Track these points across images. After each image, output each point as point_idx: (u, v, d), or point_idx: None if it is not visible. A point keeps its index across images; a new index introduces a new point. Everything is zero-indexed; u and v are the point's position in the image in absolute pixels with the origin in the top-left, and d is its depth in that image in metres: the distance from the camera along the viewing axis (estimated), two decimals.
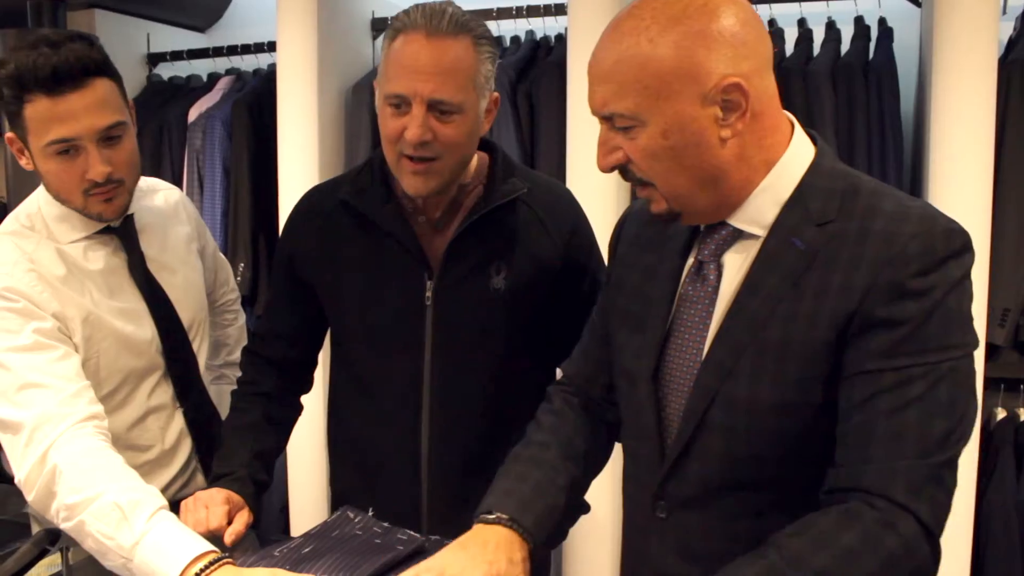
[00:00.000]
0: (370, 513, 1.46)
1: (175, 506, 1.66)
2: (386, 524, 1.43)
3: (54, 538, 1.52)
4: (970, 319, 1.10)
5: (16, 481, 1.45)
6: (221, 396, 1.92)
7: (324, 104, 2.89)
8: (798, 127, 1.18)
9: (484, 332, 1.57)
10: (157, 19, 3.32)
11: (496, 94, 1.54)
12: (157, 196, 1.81)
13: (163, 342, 1.70)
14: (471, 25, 1.45)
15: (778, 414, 1.12)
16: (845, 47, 2.68)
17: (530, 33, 3.01)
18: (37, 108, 1.47)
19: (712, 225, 1.19)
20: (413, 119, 1.42)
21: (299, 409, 1.77)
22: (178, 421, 1.76)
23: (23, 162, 1.58)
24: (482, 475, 1.38)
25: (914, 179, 2.60)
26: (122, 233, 1.67)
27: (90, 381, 1.56)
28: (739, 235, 1.17)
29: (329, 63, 2.90)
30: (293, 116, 2.87)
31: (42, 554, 1.50)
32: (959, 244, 1.07)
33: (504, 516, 1.27)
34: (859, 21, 2.68)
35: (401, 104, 1.43)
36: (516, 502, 1.29)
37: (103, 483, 1.37)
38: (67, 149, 1.50)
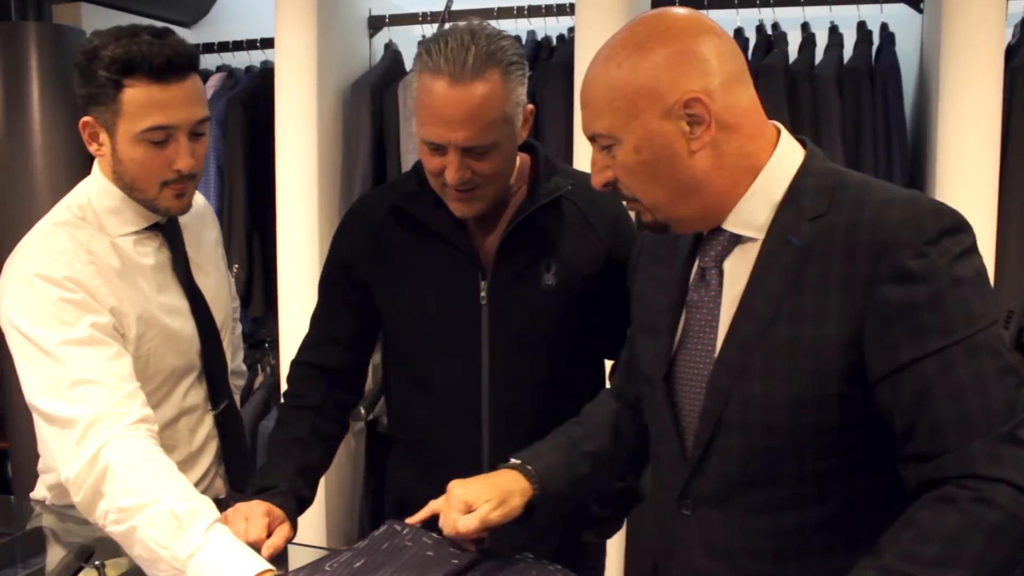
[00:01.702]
0: (417, 525, 1.44)
1: None
2: (435, 535, 1.41)
3: (88, 554, 1.48)
4: (987, 290, 1.12)
5: (63, 479, 1.41)
6: None
7: (323, 102, 2.85)
8: (785, 133, 1.24)
9: (538, 328, 1.60)
10: (144, 14, 3.23)
11: (531, 106, 1.55)
12: None
13: (202, 342, 1.69)
14: (497, 56, 1.45)
15: (793, 409, 1.15)
16: (847, 51, 2.70)
17: (531, 33, 2.99)
18: (138, 94, 1.48)
19: (711, 232, 1.24)
20: (451, 164, 1.46)
21: (346, 426, 1.76)
22: (207, 424, 1.74)
23: (93, 148, 1.57)
24: None
25: (915, 181, 2.63)
26: (167, 230, 1.66)
27: (138, 380, 1.53)
28: (737, 240, 1.22)
29: (328, 60, 2.86)
30: (292, 114, 2.82)
31: (77, 571, 1.45)
32: (949, 222, 1.11)
33: (515, 461, 1.40)
34: (862, 26, 2.71)
35: (437, 148, 1.46)
36: (529, 452, 1.42)
37: (158, 489, 1.34)
38: (163, 138, 1.51)
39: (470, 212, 1.53)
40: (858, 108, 2.56)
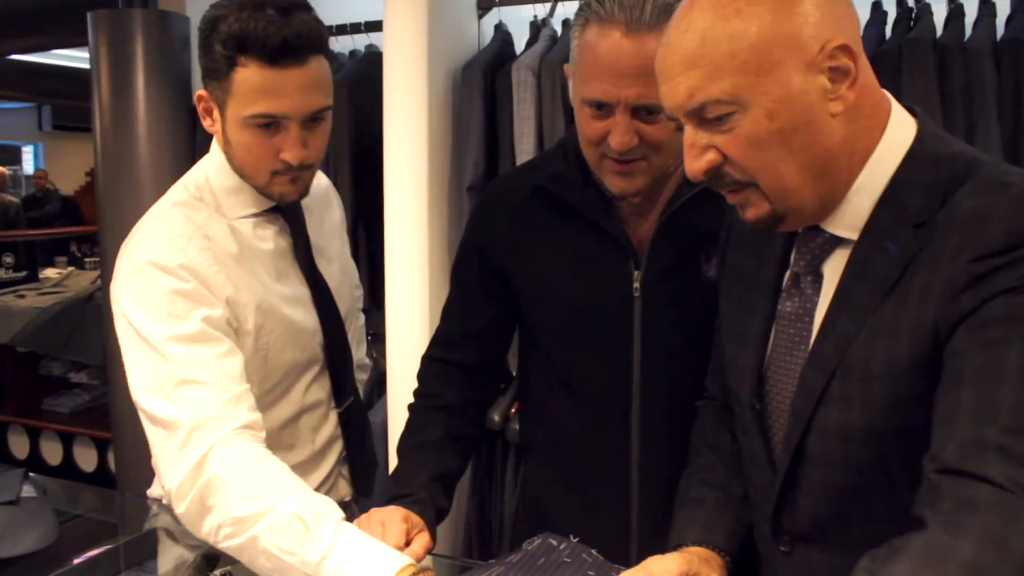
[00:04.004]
0: (573, 539, 1.31)
1: None
2: (595, 552, 1.28)
3: (213, 562, 1.38)
4: None
5: (165, 489, 1.30)
6: None
7: (433, 86, 2.73)
8: (896, 105, 1.03)
9: (697, 325, 1.42)
10: None
11: None
12: None
13: (325, 334, 1.58)
14: (673, 8, 1.29)
15: (872, 441, 0.99)
16: (1000, 22, 2.47)
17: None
18: (250, 75, 1.34)
19: (808, 231, 1.05)
20: (617, 126, 1.29)
21: (483, 428, 1.63)
22: (331, 422, 1.63)
23: (207, 123, 1.45)
24: None
25: None
26: (289, 214, 1.54)
27: (256, 376, 1.43)
28: (838, 242, 1.03)
29: (437, 43, 2.74)
30: (401, 99, 2.71)
31: None
32: None
33: (694, 548, 1.20)
34: None
35: (602, 107, 1.30)
36: (701, 527, 1.23)
37: (276, 494, 1.24)
38: (269, 124, 1.37)
39: (631, 188, 1.36)
40: (1018, 86, 2.32)
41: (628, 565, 1.22)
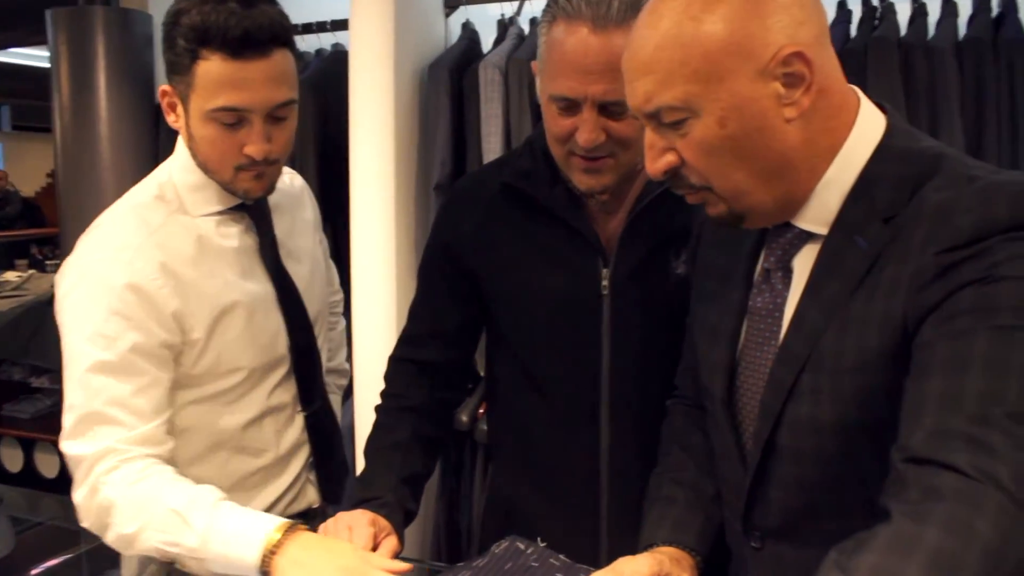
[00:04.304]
0: (541, 543, 1.30)
1: None
2: (563, 557, 1.27)
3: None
4: None
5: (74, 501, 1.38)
6: None
7: (400, 85, 2.71)
8: (865, 100, 1.03)
9: (666, 323, 1.41)
10: None
11: None
12: (284, 177, 1.64)
13: (290, 336, 1.55)
14: (640, 5, 1.29)
15: (841, 435, 0.99)
16: (962, 21, 2.50)
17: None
18: (212, 68, 1.32)
19: (777, 226, 1.05)
20: (584, 122, 1.29)
21: (451, 428, 1.61)
22: (297, 425, 1.60)
23: (171, 119, 1.43)
24: None
25: None
26: (255, 212, 1.51)
27: (211, 376, 1.43)
28: (808, 236, 1.03)
29: (404, 41, 2.72)
30: (367, 98, 2.68)
31: None
32: None
33: (665, 547, 1.20)
34: None
35: (569, 105, 1.29)
36: (671, 527, 1.23)
37: (155, 500, 1.32)
38: (234, 120, 1.35)
39: (599, 185, 1.35)
40: (980, 84, 2.35)
41: (598, 565, 1.21)
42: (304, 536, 1.26)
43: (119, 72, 2.97)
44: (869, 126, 1.02)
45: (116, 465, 1.33)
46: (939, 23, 2.50)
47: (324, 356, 1.66)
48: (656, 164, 1.03)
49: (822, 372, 1.00)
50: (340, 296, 1.95)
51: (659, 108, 0.99)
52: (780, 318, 1.07)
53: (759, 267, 1.11)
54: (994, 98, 2.35)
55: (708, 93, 0.96)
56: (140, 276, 1.38)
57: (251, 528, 1.26)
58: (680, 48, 0.96)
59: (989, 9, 2.48)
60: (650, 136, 1.03)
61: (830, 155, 1.01)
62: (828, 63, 1.00)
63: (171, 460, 1.40)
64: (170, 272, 1.41)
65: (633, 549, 1.22)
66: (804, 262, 1.05)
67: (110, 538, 1.35)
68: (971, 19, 2.48)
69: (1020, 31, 2.38)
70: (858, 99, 1.04)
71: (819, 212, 1.03)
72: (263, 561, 1.23)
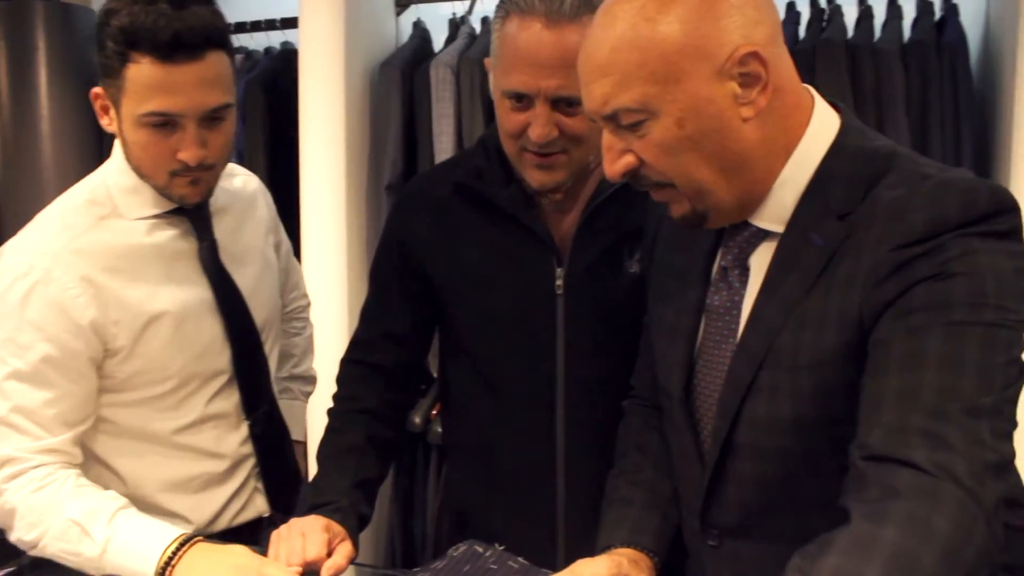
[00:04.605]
0: (499, 547, 1.29)
1: (237, 534, 1.49)
2: (521, 560, 1.26)
3: None
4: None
5: None
6: (291, 412, 1.73)
7: (351, 84, 2.68)
8: (819, 100, 1.05)
9: (620, 321, 1.42)
10: None
11: None
12: (235, 180, 1.61)
13: (232, 344, 1.50)
14: (594, 3, 1.29)
15: (800, 431, 1.00)
16: (907, 24, 2.54)
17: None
18: (142, 72, 1.28)
19: (735, 225, 1.07)
20: (537, 117, 1.29)
21: (404, 430, 1.59)
22: (241, 434, 1.55)
23: (104, 122, 1.38)
24: None
25: (984, 163, 2.48)
26: (195, 215, 1.46)
27: (139, 382, 1.41)
28: (764, 235, 1.05)
29: (354, 40, 2.69)
30: (317, 97, 2.66)
31: None
32: (986, 207, 0.92)
33: (623, 548, 1.20)
34: None
35: (522, 99, 1.29)
36: (631, 527, 1.22)
37: (56, 508, 1.32)
38: (164, 123, 1.31)
39: (551, 182, 1.36)
40: (925, 85, 2.39)
41: (555, 568, 1.21)
42: (201, 545, 1.29)
43: (61, 69, 2.90)
44: (823, 125, 1.04)
45: (17, 472, 1.33)
46: (885, 25, 2.54)
47: (273, 363, 1.62)
48: (615, 166, 1.03)
49: (780, 369, 1.01)
50: (307, 301, 1.90)
51: (616, 110, 0.99)
52: (738, 316, 1.07)
53: (716, 265, 1.12)
54: (938, 99, 2.40)
55: (665, 94, 0.97)
56: (57, 284, 1.34)
57: (149, 540, 1.28)
58: (636, 50, 0.96)
59: (932, 12, 2.53)
60: (608, 138, 1.03)
61: (786, 154, 1.02)
62: (782, 63, 1.02)
63: (91, 460, 1.42)
64: (89, 281, 1.37)
65: (590, 551, 1.22)
66: (761, 260, 1.06)
67: (13, 539, 1.36)
68: (915, 22, 2.53)
69: (962, 34, 2.44)
70: (812, 98, 1.06)
71: (775, 210, 1.04)
72: (160, 573, 1.26)
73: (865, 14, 2.58)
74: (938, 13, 2.53)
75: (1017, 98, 2.20)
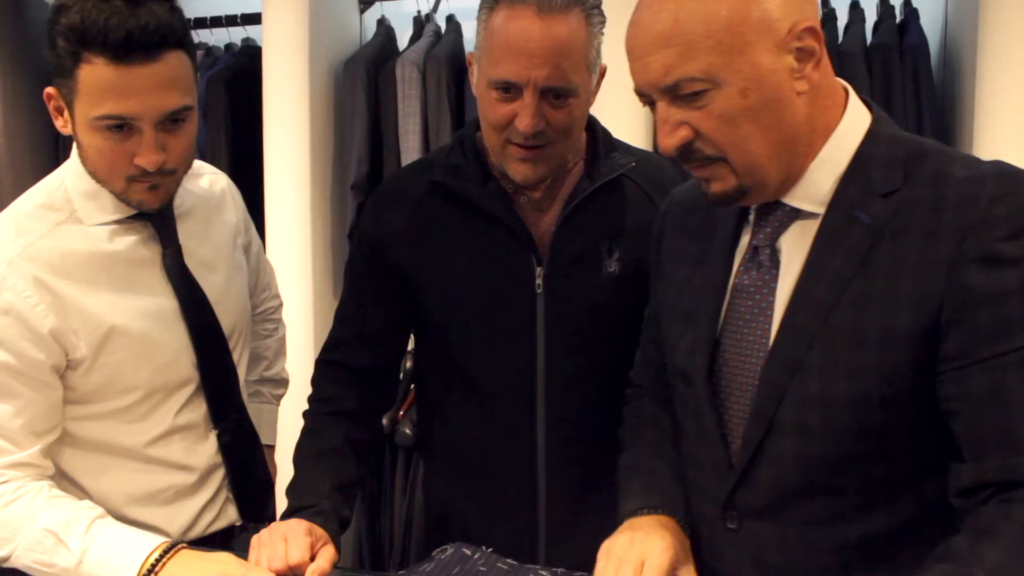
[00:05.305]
0: (487, 550, 1.28)
1: (208, 544, 1.44)
2: (510, 561, 1.25)
3: None
4: None
5: None
6: (260, 416, 1.70)
7: (315, 82, 2.66)
8: (852, 93, 1.09)
9: (600, 320, 1.42)
10: None
11: (605, 64, 1.38)
12: (202, 180, 1.55)
13: (198, 353, 1.44)
14: None
15: (856, 409, 1.01)
16: (869, 27, 2.58)
17: None
18: (95, 73, 1.21)
19: (766, 206, 1.09)
20: (525, 108, 1.29)
21: (381, 433, 1.57)
22: (210, 444, 1.50)
23: (59, 124, 1.32)
24: (603, 475, 1.33)
25: None
26: (158, 221, 1.40)
27: (105, 394, 1.36)
28: (796, 215, 1.08)
29: (318, 38, 2.67)
30: (281, 95, 2.63)
31: None
32: None
33: (656, 515, 1.18)
34: (884, 1, 2.59)
35: (510, 90, 1.29)
36: (662, 495, 1.20)
37: (28, 519, 1.28)
38: (120, 126, 1.25)
39: (534, 175, 1.36)
40: (888, 86, 2.44)
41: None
42: (185, 552, 1.25)
43: (13, 63, 2.82)
44: (859, 113, 1.07)
45: None
46: (847, 29, 2.58)
47: (242, 369, 1.57)
48: (670, 139, 1.04)
49: (836, 347, 1.02)
50: (279, 302, 1.85)
51: (679, 80, 1.00)
52: (770, 294, 1.09)
53: (746, 245, 1.13)
54: (901, 101, 2.44)
55: (730, 65, 0.99)
56: (12, 292, 1.29)
57: (131, 548, 1.25)
58: (702, 21, 0.99)
59: (893, 16, 2.57)
60: (663, 111, 1.04)
61: (826, 134, 1.05)
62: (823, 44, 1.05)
63: (55, 476, 1.36)
64: (47, 288, 1.31)
65: (572, 549, 1.21)
66: (792, 240, 1.08)
67: None
68: (876, 25, 2.57)
69: (923, 37, 2.48)
70: (845, 87, 1.09)
71: (811, 191, 1.06)
72: None
73: (828, 16, 2.61)
74: (899, 16, 2.58)
75: (977, 98, 2.26)
